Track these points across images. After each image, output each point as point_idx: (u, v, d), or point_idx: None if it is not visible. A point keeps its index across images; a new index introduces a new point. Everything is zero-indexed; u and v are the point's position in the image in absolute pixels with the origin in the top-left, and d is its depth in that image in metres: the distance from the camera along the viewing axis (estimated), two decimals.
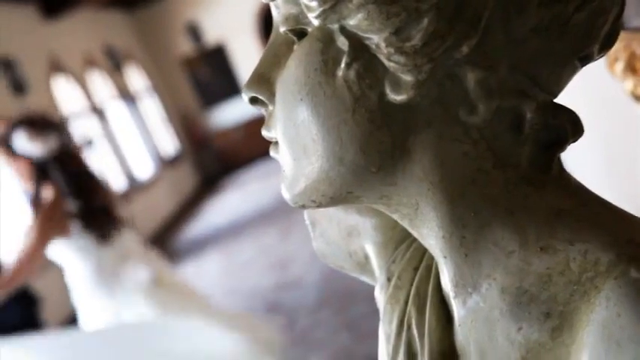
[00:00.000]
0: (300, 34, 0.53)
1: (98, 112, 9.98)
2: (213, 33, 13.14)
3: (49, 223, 3.19)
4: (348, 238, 0.72)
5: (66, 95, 9.23)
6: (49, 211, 3.20)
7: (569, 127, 0.51)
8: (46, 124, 3.33)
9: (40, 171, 3.25)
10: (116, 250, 3.43)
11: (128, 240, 3.54)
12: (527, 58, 0.49)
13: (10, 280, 3.20)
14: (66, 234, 3.27)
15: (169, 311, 3.46)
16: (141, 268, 3.51)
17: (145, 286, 3.44)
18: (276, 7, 0.54)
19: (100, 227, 3.36)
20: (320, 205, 0.56)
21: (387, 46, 0.48)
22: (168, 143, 12.81)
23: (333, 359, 4.27)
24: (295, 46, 0.54)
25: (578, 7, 0.48)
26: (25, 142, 3.21)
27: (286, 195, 0.57)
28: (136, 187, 10.02)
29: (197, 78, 13.32)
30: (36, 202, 3.25)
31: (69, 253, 3.32)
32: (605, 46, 0.53)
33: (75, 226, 3.29)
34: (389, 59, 0.48)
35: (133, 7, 13.16)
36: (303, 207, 0.57)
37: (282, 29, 0.55)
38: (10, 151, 3.26)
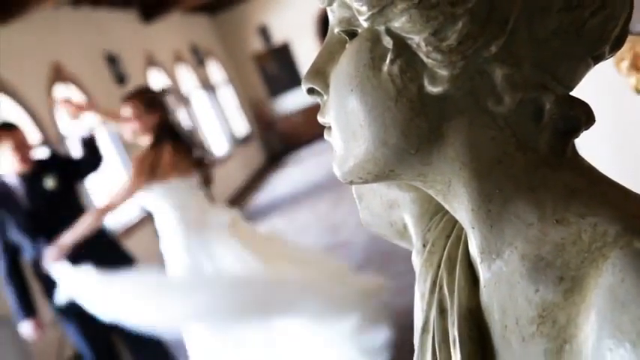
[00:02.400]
0: (352, 34, 0.53)
1: (184, 99, 10.10)
2: (280, 33, 13.17)
3: (151, 168, 3.23)
4: (389, 210, 0.71)
5: (158, 86, 9.36)
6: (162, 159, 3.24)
7: (583, 116, 0.50)
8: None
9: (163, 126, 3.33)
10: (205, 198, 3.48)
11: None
12: (547, 57, 0.48)
13: (104, 209, 3.24)
14: (186, 174, 3.31)
15: (251, 249, 3.42)
16: (223, 212, 3.56)
17: (227, 226, 3.44)
18: (332, 11, 0.54)
19: (205, 171, 3.47)
20: (366, 182, 0.56)
21: (426, 45, 0.48)
22: (241, 126, 12.92)
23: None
24: (347, 45, 0.53)
25: (593, 12, 0.48)
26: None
27: (337, 172, 0.56)
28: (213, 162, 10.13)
29: (266, 71, 13.39)
30: (156, 151, 3.28)
31: (168, 196, 3.28)
32: (615, 47, 0.52)
33: (189, 170, 3.35)
34: (427, 56, 0.48)
35: (214, 12, 13.28)
36: (352, 183, 0.57)
37: (336, 30, 0.54)
38: (145, 105, 3.34)
